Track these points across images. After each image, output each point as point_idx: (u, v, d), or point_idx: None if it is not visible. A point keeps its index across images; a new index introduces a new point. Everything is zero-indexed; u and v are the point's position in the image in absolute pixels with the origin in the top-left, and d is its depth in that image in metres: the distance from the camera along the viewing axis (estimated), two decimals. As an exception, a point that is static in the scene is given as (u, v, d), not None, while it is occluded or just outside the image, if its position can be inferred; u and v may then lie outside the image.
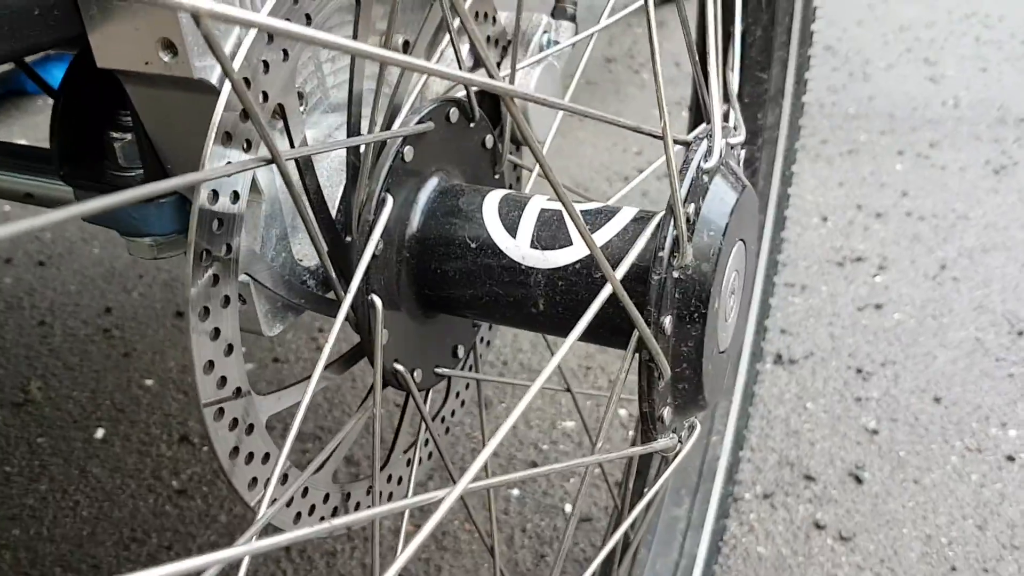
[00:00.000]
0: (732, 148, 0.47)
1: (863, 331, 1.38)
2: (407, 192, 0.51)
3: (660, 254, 0.42)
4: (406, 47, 0.56)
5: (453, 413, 0.63)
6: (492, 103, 0.60)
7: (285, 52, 0.43)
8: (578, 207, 0.49)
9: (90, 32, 0.40)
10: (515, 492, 1.08)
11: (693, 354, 0.43)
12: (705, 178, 0.44)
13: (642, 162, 1.95)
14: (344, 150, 0.49)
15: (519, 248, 0.48)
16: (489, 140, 0.57)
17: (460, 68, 0.55)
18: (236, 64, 0.39)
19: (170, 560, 0.96)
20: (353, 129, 0.49)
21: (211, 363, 0.40)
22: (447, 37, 0.57)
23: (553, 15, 0.65)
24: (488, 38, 0.62)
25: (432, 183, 0.51)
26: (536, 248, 0.48)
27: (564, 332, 0.46)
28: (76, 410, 1.19)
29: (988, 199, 1.77)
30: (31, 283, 1.48)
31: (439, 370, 0.54)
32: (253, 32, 0.40)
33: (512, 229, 0.48)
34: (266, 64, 0.42)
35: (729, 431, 0.86)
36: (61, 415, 1.18)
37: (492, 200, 0.50)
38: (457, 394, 0.63)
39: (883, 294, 1.47)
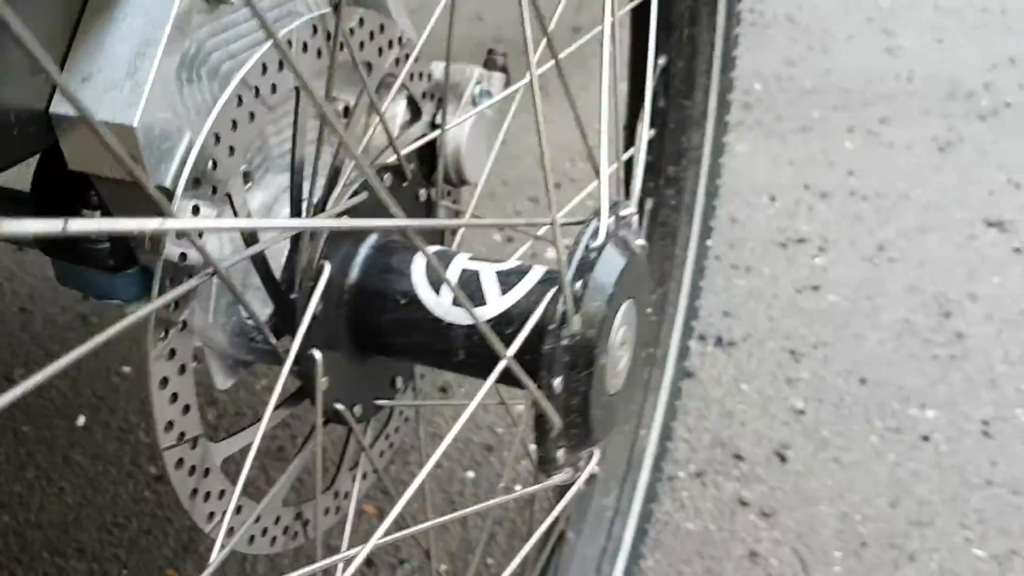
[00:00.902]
0: (624, 219, 0.55)
1: (800, 313, 1.47)
2: (347, 248, 0.58)
3: (551, 327, 0.49)
4: (347, 111, 0.63)
5: (397, 429, 0.71)
6: (429, 154, 0.67)
7: (231, 148, 0.50)
8: (493, 267, 0.57)
9: (62, 142, 0.47)
10: (470, 474, 1.17)
11: (581, 406, 0.51)
12: (593, 255, 0.51)
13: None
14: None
15: (441, 305, 0.55)
16: (423, 194, 0.64)
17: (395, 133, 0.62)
18: (184, 175, 0.46)
19: (150, 545, 1.05)
20: (296, 197, 0.56)
21: (171, 423, 0.48)
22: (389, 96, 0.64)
23: (485, 66, 0.71)
24: (424, 94, 0.68)
25: (370, 240, 0.59)
26: (456, 305, 0.55)
27: (486, 376, 0.54)
28: (59, 398, 1.26)
29: (931, 177, 1.85)
30: (12, 269, 1.54)
31: (379, 402, 0.62)
32: (199, 145, 0.47)
33: (437, 287, 0.56)
34: (215, 161, 0.49)
35: (656, 425, 0.94)
36: (44, 403, 1.25)
37: (420, 258, 0.57)
38: (402, 412, 0.71)
39: (821, 276, 1.55)
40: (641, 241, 0.58)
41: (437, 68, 0.71)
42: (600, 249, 0.51)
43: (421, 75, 0.68)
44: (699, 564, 1.05)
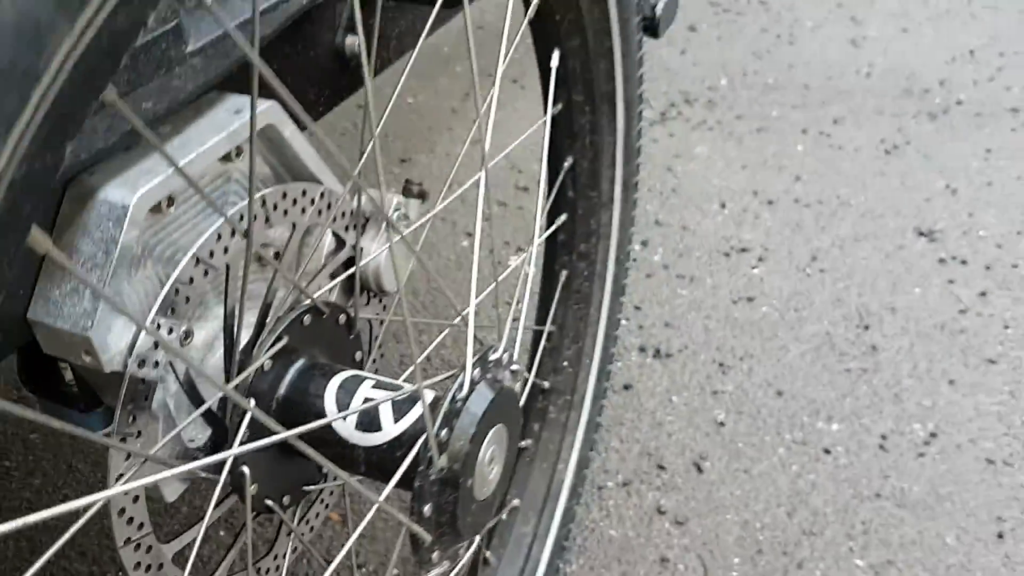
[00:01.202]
0: (493, 364, 0.67)
1: (733, 324, 1.60)
2: (280, 366, 0.71)
3: (419, 468, 0.63)
4: (277, 256, 0.75)
5: (324, 503, 0.85)
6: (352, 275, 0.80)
7: (172, 310, 0.63)
8: (388, 394, 0.70)
9: (38, 337, 0.60)
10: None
11: (450, 520, 0.65)
12: (459, 404, 0.64)
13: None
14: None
15: (347, 428, 0.69)
16: (343, 318, 0.77)
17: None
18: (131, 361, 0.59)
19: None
20: (229, 346, 0.69)
21: (128, 539, 0.62)
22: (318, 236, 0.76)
23: (403, 193, 0.83)
24: (346, 227, 0.81)
25: (298, 363, 0.72)
26: (358, 430, 0.68)
27: (387, 481, 0.67)
28: (63, 411, 1.41)
29: (873, 183, 1.96)
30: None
31: (306, 488, 0.76)
32: (144, 334, 0.60)
33: (343, 409, 0.69)
34: (159, 325, 0.62)
35: (572, 460, 1.08)
36: (51, 416, 1.40)
37: (334, 385, 0.71)
38: (331, 492, 0.85)
39: (757, 287, 1.68)
40: (516, 368, 0.71)
41: (363, 194, 0.83)
42: (465, 399, 0.64)
43: (343, 214, 0.80)
44: (616, 569, 1.21)
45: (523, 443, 0.85)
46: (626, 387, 1.47)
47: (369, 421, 0.68)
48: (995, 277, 1.67)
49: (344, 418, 0.68)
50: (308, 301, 0.73)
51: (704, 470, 1.33)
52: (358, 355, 0.78)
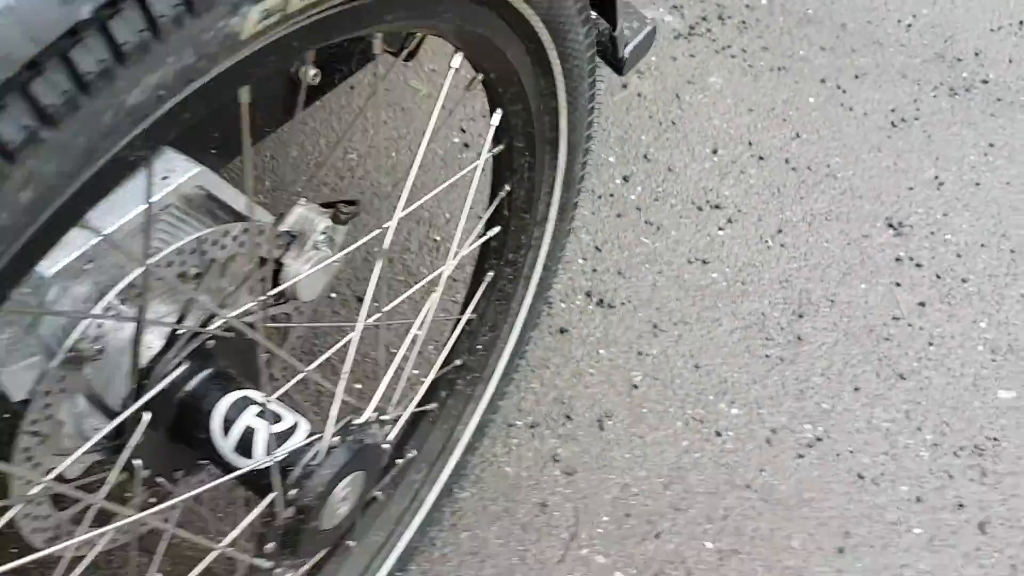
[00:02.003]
0: (355, 429, 0.77)
1: (680, 286, 1.66)
2: (187, 371, 0.81)
3: (264, 519, 0.73)
4: (198, 277, 0.82)
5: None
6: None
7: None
8: (269, 428, 0.79)
9: None
10: None
11: (292, 552, 0.76)
12: (310, 469, 0.74)
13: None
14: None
15: (226, 446, 0.79)
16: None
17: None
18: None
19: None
20: (134, 359, 0.78)
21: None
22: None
23: (332, 219, 0.89)
24: (277, 239, 0.87)
25: (203, 373, 0.81)
26: (235, 452, 0.79)
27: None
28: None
29: (866, 158, 1.94)
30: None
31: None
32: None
33: (227, 430, 0.79)
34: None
35: (473, 422, 1.19)
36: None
37: (224, 404, 0.80)
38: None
39: (716, 250, 1.72)
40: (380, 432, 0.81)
41: (291, 216, 0.89)
42: (316, 466, 0.74)
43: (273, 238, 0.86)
44: (501, 503, 1.35)
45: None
46: (562, 331, 1.56)
47: (244, 445, 0.79)
48: (941, 288, 1.71)
49: (226, 433, 0.79)
50: (218, 322, 0.81)
51: (605, 428, 1.45)
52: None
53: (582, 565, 1.30)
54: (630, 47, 1.00)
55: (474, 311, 1.13)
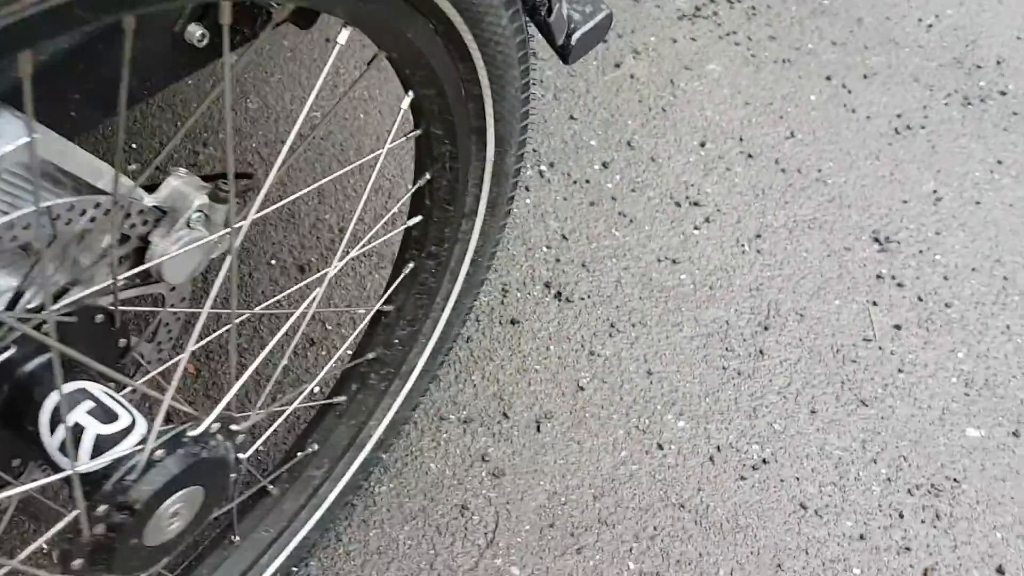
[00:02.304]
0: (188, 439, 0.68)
1: (645, 285, 1.56)
2: (22, 352, 0.72)
3: (66, 538, 0.65)
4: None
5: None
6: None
7: None
8: (98, 429, 0.71)
9: None
10: None
11: (104, 569, 0.68)
12: (127, 483, 0.65)
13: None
14: None
15: (51, 445, 0.71)
16: (100, 316, 0.77)
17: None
18: None
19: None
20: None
21: None
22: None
23: (210, 196, 0.80)
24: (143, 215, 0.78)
25: (40, 358, 0.73)
26: (59, 452, 0.70)
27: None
28: None
29: (862, 166, 1.82)
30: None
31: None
32: None
33: (54, 427, 0.71)
34: None
35: (387, 419, 1.11)
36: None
37: (57, 395, 0.72)
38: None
39: (688, 250, 1.62)
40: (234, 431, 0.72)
41: (163, 190, 0.80)
42: (132, 482, 0.65)
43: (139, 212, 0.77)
44: (419, 501, 1.27)
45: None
46: (513, 322, 1.47)
47: (73, 445, 0.70)
48: (921, 312, 1.60)
49: (52, 429, 0.70)
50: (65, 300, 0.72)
51: (543, 430, 1.36)
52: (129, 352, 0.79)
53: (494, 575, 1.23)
54: (579, 34, 0.89)
55: (391, 303, 1.04)
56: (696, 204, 1.69)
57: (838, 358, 1.52)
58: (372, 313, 1.01)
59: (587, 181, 1.69)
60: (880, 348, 1.54)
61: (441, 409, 1.36)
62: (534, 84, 1.85)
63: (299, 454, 1.08)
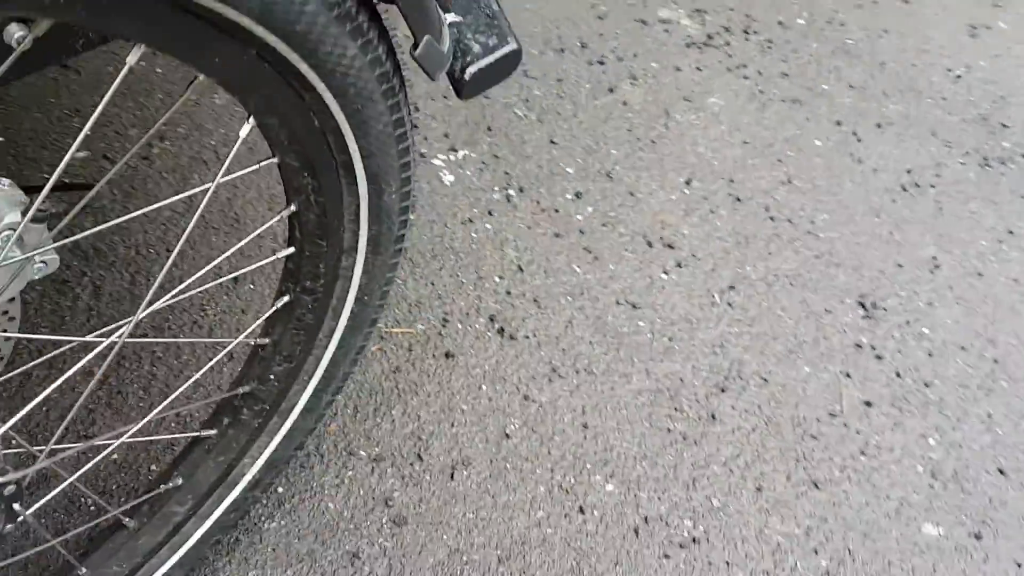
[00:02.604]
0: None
1: (597, 328, 1.44)
2: None
3: None
4: None
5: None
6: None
7: None
8: None
9: None
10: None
11: None
12: None
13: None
14: None
15: None
16: None
17: None
18: None
19: None
20: None
21: None
22: None
23: (22, 214, 0.70)
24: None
25: None
26: None
27: None
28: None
29: (859, 221, 1.68)
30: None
31: None
32: None
33: None
34: None
35: (263, 458, 1.01)
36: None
37: None
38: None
39: (652, 295, 1.50)
40: None
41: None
42: None
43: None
44: (309, 543, 1.17)
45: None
46: (448, 355, 1.37)
47: None
48: (896, 390, 1.46)
49: None
50: None
51: (456, 478, 1.26)
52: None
53: (375, 634, 1.13)
54: (474, 69, 0.78)
55: (266, 335, 0.95)
56: (670, 246, 1.57)
57: (797, 432, 1.38)
58: (232, 346, 0.91)
59: (556, 210, 1.58)
60: (845, 425, 1.40)
61: (352, 443, 1.26)
62: (418, 115, 1.74)
63: (161, 487, 0.99)
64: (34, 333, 1.19)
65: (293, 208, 0.81)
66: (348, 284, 0.90)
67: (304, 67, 0.63)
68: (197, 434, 0.99)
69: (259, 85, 0.64)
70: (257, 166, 0.76)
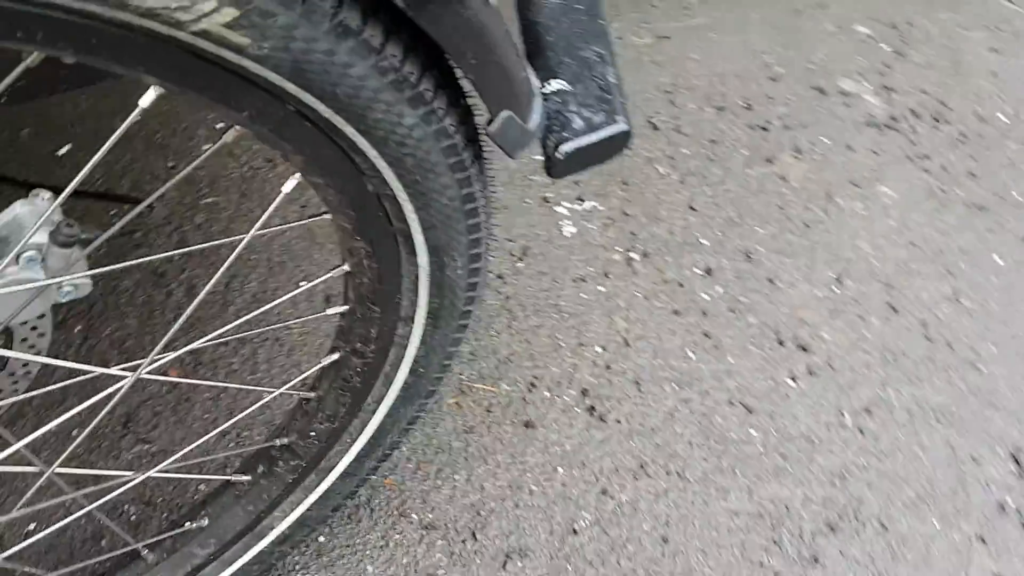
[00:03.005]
0: None
1: (704, 428, 1.28)
2: None
3: None
4: None
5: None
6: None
7: None
8: None
9: None
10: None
11: None
12: None
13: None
14: None
15: None
16: None
17: None
18: None
19: None
20: None
21: None
22: None
23: (51, 237, 0.64)
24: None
25: None
26: None
27: None
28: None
29: (878, 267, 1.44)
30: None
31: None
32: None
33: None
34: None
35: (293, 514, 0.92)
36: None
37: None
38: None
39: (773, 401, 1.32)
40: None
41: (9, 211, 0.65)
42: None
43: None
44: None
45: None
46: (528, 425, 1.24)
47: None
48: (1045, 571, 1.22)
49: None
50: None
51: (508, 569, 1.12)
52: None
53: None
54: (570, 147, 0.66)
55: (313, 389, 0.85)
56: (804, 348, 1.39)
57: (911, 597, 1.18)
58: (272, 396, 0.82)
59: (680, 284, 1.43)
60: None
61: (406, 503, 1.15)
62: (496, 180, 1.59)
63: (187, 524, 0.91)
64: (59, 357, 1.14)
65: (346, 268, 0.71)
66: (403, 353, 0.80)
67: (350, 130, 0.53)
68: (229, 478, 0.91)
69: (300, 143, 0.54)
70: (303, 222, 0.66)
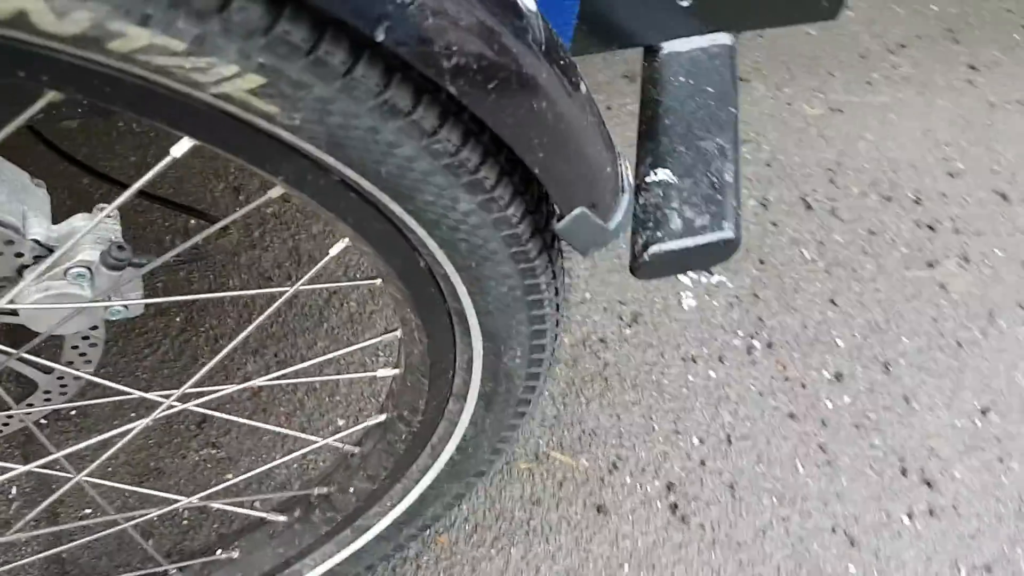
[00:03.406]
0: None
1: (797, 555, 1.15)
2: None
3: None
4: None
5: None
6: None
7: None
8: None
9: None
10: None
11: None
12: None
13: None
14: None
15: None
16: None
17: None
18: None
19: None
20: None
21: None
22: None
23: (102, 259, 0.61)
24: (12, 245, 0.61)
25: None
26: None
27: None
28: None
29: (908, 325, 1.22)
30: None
31: None
32: None
33: None
34: None
35: (323, 566, 0.87)
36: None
37: None
38: None
39: (880, 539, 1.17)
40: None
41: (62, 226, 0.63)
42: None
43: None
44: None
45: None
46: (600, 509, 1.15)
47: None
48: None
49: None
50: None
51: (548, 661, 1.04)
52: None
53: None
54: (659, 249, 0.57)
55: (357, 445, 0.80)
56: (928, 484, 1.23)
57: None
58: (314, 447, 0.77)
59: (803, 385, 1.30)
60: None
61: (454, 567, 1.08)
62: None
63: (218, 552, 0.88)
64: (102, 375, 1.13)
65: (398, 334, 0.66)
66: (452, 429, 0.73)
67: (398, 209, 0.47)
68: (264, 515, 0.87)
69: (344, 211, 0.48)
70: (353, 283, 0.61)
